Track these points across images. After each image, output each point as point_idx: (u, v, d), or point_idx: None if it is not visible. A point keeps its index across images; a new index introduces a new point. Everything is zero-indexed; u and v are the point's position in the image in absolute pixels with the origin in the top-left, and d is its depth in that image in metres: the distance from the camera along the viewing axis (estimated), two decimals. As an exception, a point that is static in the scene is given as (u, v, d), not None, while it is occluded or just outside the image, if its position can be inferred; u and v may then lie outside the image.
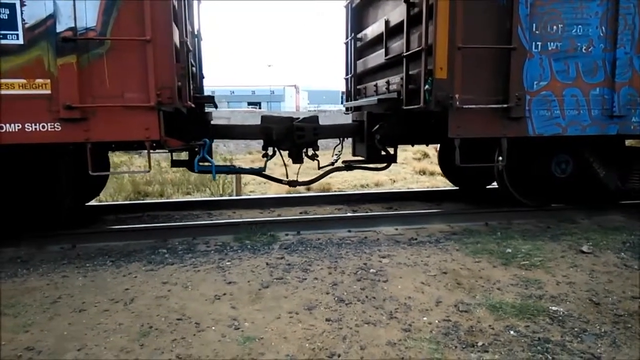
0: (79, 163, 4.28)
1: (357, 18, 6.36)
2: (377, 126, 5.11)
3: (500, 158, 4.66)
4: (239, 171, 5.36)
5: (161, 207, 6.06)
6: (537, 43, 4.30)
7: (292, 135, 5.32)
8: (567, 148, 4.99)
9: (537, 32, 4.28)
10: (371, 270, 3.58)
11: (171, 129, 4.46)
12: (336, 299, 3.09)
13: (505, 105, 4.21)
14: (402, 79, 4.72)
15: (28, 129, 3.69)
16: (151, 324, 2.77)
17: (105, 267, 3.76)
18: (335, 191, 8.06)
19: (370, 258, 3.87)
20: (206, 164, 4.78)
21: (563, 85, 4.41)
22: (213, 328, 2.72)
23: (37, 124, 3.71)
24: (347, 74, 6.56)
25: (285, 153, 5.58)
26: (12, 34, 3.61)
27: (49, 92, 3.69)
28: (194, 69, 5.92)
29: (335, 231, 4.75)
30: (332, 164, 5.81)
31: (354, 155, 5.97)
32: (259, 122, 5.39)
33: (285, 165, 5.70)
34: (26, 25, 3.62)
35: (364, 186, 8.92)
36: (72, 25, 3.65)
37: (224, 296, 3.14)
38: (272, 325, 2.75)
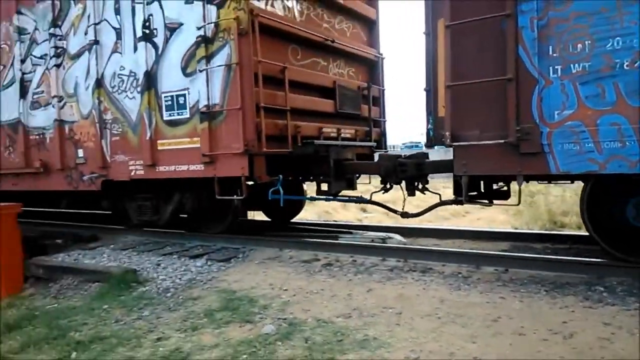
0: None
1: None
2: None
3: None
4: (341, 200, 6.38)
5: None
6: (556, 67, 3.74)
7: (396, 171, 5.98)
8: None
9: (554, 55, 3.74)
10: None
11: (285, 167, 6.10)
12: None
13: (502, 141, 3.87)
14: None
15: (184, 168, 6.09)
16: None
17: (540, 295, 3.81)
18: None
19: None
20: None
21: (596, 112, 3.61)
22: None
23: (191, 165, 6.06)
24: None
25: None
26: (184, 112, 6.11)
27: (198, 145, 5.99)
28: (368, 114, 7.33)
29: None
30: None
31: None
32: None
33: (404, 198, 6.33)
34: (189, 106, 6.05)
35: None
36: (207, 103, 5.84)
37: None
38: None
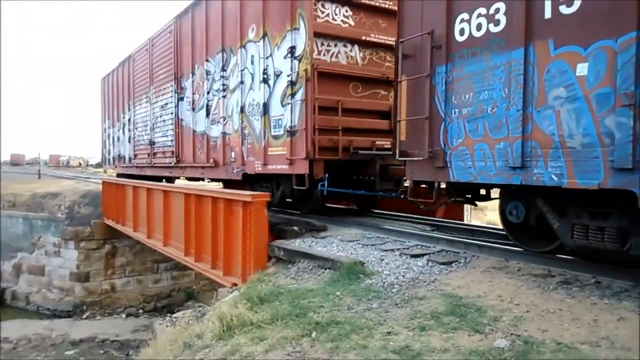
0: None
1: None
2: None
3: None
4: (379, 195, 8.54)
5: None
6: (455, 110, 5.49)
7: (419, 176, 7.96)
8: (519, 195, 5.22)
9: (455, 101, 5.49)
10: None
11: (344, 169, 8.64)
12: None
13: (420, 158, 5.77)
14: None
15: (279, 167, 9.09)
16: None
17: None
18: None
19: None
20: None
21: (474, 141, 5.27)
22: None
23: (282, 165, 9.03)
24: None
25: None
26: (280, 130, 9.11)
27: (285, 152, 8.91)
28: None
29: None
30: None
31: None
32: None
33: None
34: (283, 126, 9.00)
35: None
36: (290, 124, 8.71)
37: None
38: None
